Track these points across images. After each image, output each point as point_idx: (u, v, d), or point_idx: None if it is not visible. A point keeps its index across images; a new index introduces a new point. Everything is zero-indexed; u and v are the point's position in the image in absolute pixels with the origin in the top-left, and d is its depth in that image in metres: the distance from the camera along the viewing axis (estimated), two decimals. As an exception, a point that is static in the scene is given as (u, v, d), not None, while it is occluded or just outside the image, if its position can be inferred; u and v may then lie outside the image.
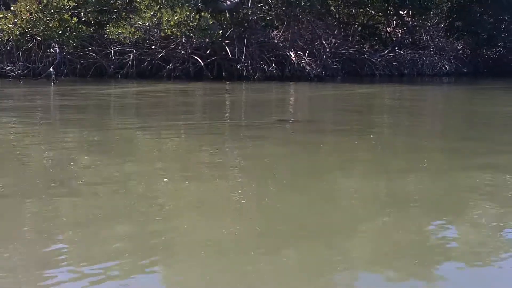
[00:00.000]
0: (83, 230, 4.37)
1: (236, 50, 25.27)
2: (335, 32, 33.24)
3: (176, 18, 21.50)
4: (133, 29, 22.17)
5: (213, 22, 23.25)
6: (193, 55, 24.81)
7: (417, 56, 32.06)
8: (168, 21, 21.59)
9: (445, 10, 36.57)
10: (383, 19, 36.18)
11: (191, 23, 21.57)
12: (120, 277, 3.48)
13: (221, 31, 23.05)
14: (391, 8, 34.59)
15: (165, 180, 6.03)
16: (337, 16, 35.05)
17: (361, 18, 36.98)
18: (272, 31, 29.32)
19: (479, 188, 6.13)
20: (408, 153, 8.30)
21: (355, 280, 3.56)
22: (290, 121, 11.65)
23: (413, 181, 6.29)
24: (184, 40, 23.26)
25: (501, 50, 37.79)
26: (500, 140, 9.54)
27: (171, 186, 5.79)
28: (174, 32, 21.94)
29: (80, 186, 5.78)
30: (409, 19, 35.52)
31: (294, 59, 26.75)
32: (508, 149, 8.56)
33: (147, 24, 22.30)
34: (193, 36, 22.24)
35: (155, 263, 3.73)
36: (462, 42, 36.56)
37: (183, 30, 21.69)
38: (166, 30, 21.96)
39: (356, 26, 35.92)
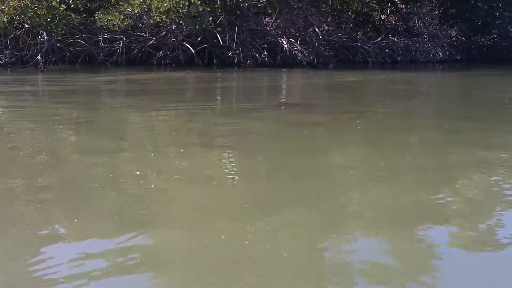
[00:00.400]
0: (68, 202, 4.30)
1: (227, 37, 25.02)
2: (329, 20, 32.99)
3: (165, 5, 21.28)
4: (122, 16, 21.92)
5: (203, 9, 22.97)
6: (183, 43, 24.56)
7: (410, 43, 31.85)
8: (158, 8, 21.37)
9: (439, -3, 36.41)
10: (377, 6, 35.89)
11: (180, 10, 21.34)
12: (106, 247, 3.43)
13: (211, 18, 22.77)
14: (385, -5, 34.33)
15: (153, 155, 6.03)
16: (330, 3, 34.72)
17: (355, 5, 36.69)
18: (264, 18, 29.05)
19: (471, 162, 6.13)
20: (400, 131, 8.29)
21: (348, 248, 3.49)
22: (282, 106, 11.48)
23: (405, 156, 6.35)
24: (174, 27, 22.98)
25: (495, 37, 37.59)
26: (491, 120, 9.44)
27: (161, 161, 5.75)
28: (163, 19, 21.72)
29: (67, 158, 5.83)
30: (403, 6, 35.28)
31: (286, 46, 26.52)
32: (499, 128, 8.55)
33: (136, 11, 22.06)
34: (183, 23, 21.97)
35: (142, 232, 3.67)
36: (456, 29, 36.34)
37: (173, 17, 21.46)
38: (155, 17, 21.72)
39: (350, 13, 35.63)
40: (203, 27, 22.41)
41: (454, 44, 35.08)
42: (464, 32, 36.09)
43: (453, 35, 35.82)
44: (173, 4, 21.05)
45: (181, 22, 21.80)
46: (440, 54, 32.33)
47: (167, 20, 21.62)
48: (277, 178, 5.20)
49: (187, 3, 21.27)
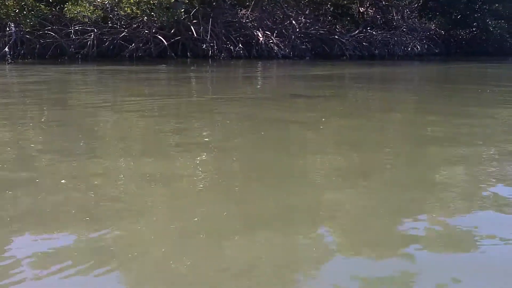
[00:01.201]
0: (37, 204, 3.99)
1: (201, 29, 24.67)
2: (307, 12, 32.74)
3: (135, -4, 20.89)
4: (92, 8, 21.48)
5: (176, 0, 22.60)
6: (156, 35, 24.16)
7: (388, 36, 31.70)
8: (128, -1, 20.97)
9: (419, -11, 36.27)
10: (355, -2, 35.71)
11: (151, 1, 20.95)
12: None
13: (183, 10, 22.39)
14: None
15: (122, 152, 5.75)
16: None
17: (334, -3, 36.47)
18: (241, 10, 28.72)
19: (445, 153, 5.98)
20: (374, 122, 8.17)
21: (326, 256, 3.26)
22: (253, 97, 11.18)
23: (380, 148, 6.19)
24: (146, 19, 22.57)
25: (474, 31, 37.57)
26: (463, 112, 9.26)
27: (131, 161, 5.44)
28: (134, 11, 21.32)
29: (31, 153, 5.48)
30: (382, -1, 35.13)
31: (261, 39, 26.24)
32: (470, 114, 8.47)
33: (107, 2, 21.63)
34: (154, 15, 21.57)
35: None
36: (435, 23, 36.26)
37: (144, 8, 21.06)
38: (126, 9, 21.30)
39: (329, 5, 35.39)
40: (175, 18, 22.05)
41: (433, 38, 35.00)
42: (443, 25, 36.01)
43: (432, 28, 35.75)
44: (144, -5, 20.67)
45: (153, 13, 21.39)
46: (418, 48, 32.24)
47: (138, 11, 21.22)
48: (249, 175, 5.02)
49: (157, -6, 20.90)
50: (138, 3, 20.76)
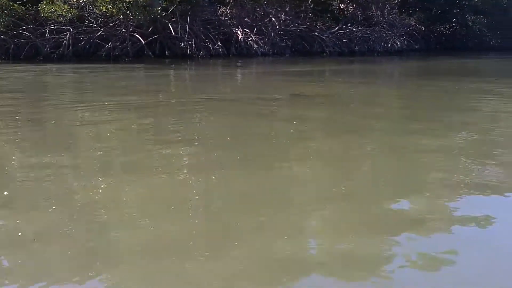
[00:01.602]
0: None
1: (179, 27, 24.39)
2: (287, 9, 32.55)
3: (111, -6, 20.55)
4: (66, 7, 21.11)
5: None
6: (134, 34, 23.79)
7: (368, 33, 31.64)
8: (103, -3, 20.63)
9: (399, -15, 36.25)
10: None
11: (127, 0, 20.64)
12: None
13: (159, 8, 22.09)
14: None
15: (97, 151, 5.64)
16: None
17: (315, -6, 36.31)
18: (220, 8, 28.46)
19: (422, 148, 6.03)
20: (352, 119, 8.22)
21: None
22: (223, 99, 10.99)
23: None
24: (122, 17, 22.22)
25: (454, 26, 37.67)
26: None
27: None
28: (109, 9, 20.98)
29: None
30: (362, -6, 35.04)
31: (241, 36, 26.02)
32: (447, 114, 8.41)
33: (82, 1, 21.28)
34: (130, 13, 21.24)
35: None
36: (415, 18, 36.28)
37: (119, 6, 20.72)
38: (101, 7, 20.96)
39: (309, 2, 35.23)
40: (151, 17, 21.72)
41: (413, 33, 35.01)
42: (423, 21, 36.04)
43: (411, 24, 35.77)
44: (120, -7, 20.34)
45: (128, 12, 21.06)
46: (398, 44, 32.21)
47: (114, 10, 20.88)
48: (220, 170, 5.04)
49: (133, -8, 20.58)
50: (113, 1, 20.40)
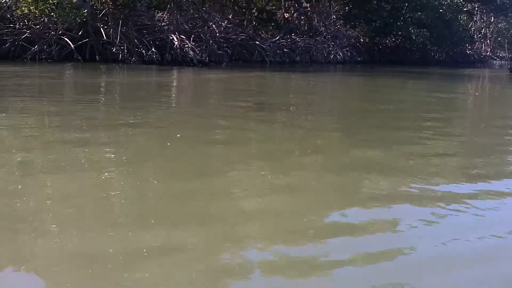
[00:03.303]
0: None
1: (111, 32, 23.51)
2: (230, 16, 32.07)
3: (34, -6, 19.57)
4: (-14, 6, 20.02)
5: (84, 0, 21.47)
6: (63, 37, 22.77)
7: (311, 43, 31.41)
8: (26, -3, 19.63)
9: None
10: (280, 3, 35.31)
11: (51, 1, 19.68)
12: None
13: (85, 11, 21.18)
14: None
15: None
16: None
17: (260, 2, 36.00)
18: (157, 13, 27.72)
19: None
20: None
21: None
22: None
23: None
24: (47, 20, 21.20)
25: (398, 39, 37.87)
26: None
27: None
28: (32, 11, 19.97)
29: None
30: (307, 5, 34.87)
31: (176, 43, 25.29)
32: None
33: (4, 1, 20.21)
34: (54, 15, 20.28)
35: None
36: (359, 31, 36.32)
37: (42, 8, 19.75)
38: (23, 8, 19.94)
39: (254, 10, 34.88)
40: (77, 20, 20.76)
41: (356, 45, 34.99)
42: (367, 33, 36.08)
43: (355, 36, 35.77)
44: (43, -7, 19.37)
45: (52, 14, 20.09)
46: (341, 55, 32.07)
47: (37, 11, 19.88)
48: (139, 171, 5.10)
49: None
50: (36, 2, 19.40)
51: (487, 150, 7.31)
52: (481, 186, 5.27)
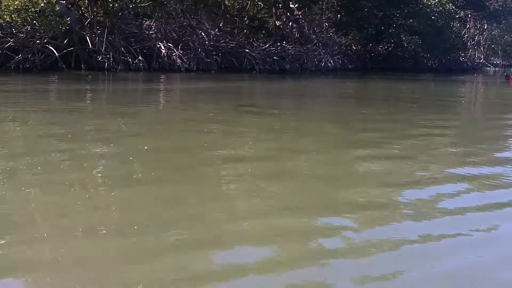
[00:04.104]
0: None
1: (97, 40, 23.22)
2: (221, 25, 31.82)
3: (16, 2, 19.26)
4: (-32, 15, 19.70)
5: (68, 8, 21.17)
6: (48, 45, 22.43)
7: (301, 51, 31.13)
8: (8, 5, 19.31)
9: (335, 4, 36.04)
10: (272, 11, 35.07)
11: (33, 9, 19.36)
12: None
13: (68, 19, 20.85)
14: (280, 0, 33.45)
15: None
16: (223, 7, 33.53)
17: (251, 10, 35.75)
18: (145, 21, 27.46)
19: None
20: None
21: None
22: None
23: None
24: (29, 28, 20.87)
25: (390, 46, 37.66)
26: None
27: None
28: (14, 19, 19.65)
29: None
30: (299, 13, 34.63)
31: (164, 51, 25.02)
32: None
33: (-15, 9, 19.90)
34: (37, 24, 19.96)
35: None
36: (351, 38, 36.10)
37: (24, 16, 19.43)
38: (5, 16, 19.63)
39: (245, 18, 34.61)
40: (60, 28, 20.42)
41: (348, 53, 34.75)
42: (359, 40, 35.86)
43: (347, 43, 35.55)
44: (25, 2, 19.03)
45: (35, 22, 19.77)
46: (332, 63, 31.80)
47: (19, 20, 19.56)
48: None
49: (41, 2, 19.29)
50: (18, 10, 19.09)
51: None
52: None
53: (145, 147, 6.68)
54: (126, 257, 3.30)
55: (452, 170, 6.02)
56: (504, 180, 5.56)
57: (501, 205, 4.64)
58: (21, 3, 19.03)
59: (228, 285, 3.01)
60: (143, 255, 3.31)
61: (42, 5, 19.35)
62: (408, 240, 3.73)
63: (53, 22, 19.77)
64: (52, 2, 19.49)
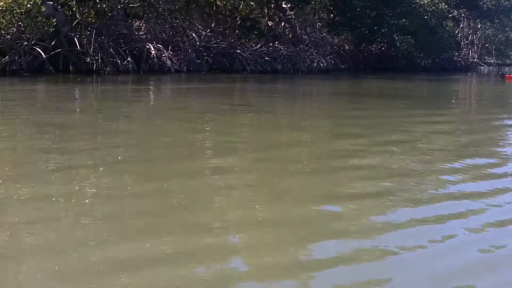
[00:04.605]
0: None
1: (85, 41, 22.86)
2: (212, 25, 31.53)
3: (1, 4, 18.90)
4: (-48, 16, 19.33)
5: (55, 8, 20.82)
6: (35, 47, 22.02)
7: (293, 51, 30.85)
8: (-8, 7, 18.95)
9: (328, 4, 35.78)
10: (264, 11, 34.77)
11: (18, 10, 19.01)
12: None
13: (54, 20, 20.47)
14: (272, 0, 33.18)
15: None
16: (214, 7, 33.25)
17: (244, 10, 35.43)
18: (135, 22, 27.11)
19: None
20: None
21: None
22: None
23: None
24: (15, 29, 20.48)
25: (383, 46, 37.44)
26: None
27: None
28: (-1, 20, 19.30)
29: None
30: (291, 13, 34.35)
31: (154, 52, 24.69)
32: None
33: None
34: (22, 25, 19.59)
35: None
36: (343, 38, 35.85)
37: (9, 18, 19.07)
38: (-11, 18, 19.28)
39: (237, 19, 34.29)
40: (46, 29, 20.02)
41: (340, 53, 34.50)
42: (351, 40, 35.61)
43: (339, 43, 35.30)
44: (9, 3, 18.68)
45: (20, 23, 19.41)
46: (324, 63, 31.53)
47: (4, 21, 19.19)
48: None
49: (26, 2, 18.92)
50: (3, 12, 18.73)
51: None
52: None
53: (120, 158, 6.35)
54: (110, 269, 3.20)
55: (446, 164, 6.11)
56: (497, 174, 5.66)
57: (497, 204, 4.60)
58: (6, 4, 18.65)
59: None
60: (130, 266, 3.23)
61: (28, 6, 18.94)
62: (402, 224, 3.96)
63: (39, 24, 19.37)
64: (38, 3, 19.06)
